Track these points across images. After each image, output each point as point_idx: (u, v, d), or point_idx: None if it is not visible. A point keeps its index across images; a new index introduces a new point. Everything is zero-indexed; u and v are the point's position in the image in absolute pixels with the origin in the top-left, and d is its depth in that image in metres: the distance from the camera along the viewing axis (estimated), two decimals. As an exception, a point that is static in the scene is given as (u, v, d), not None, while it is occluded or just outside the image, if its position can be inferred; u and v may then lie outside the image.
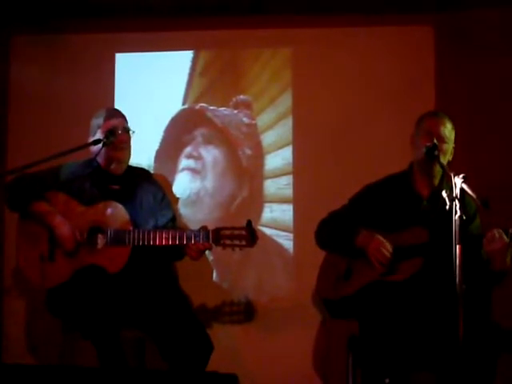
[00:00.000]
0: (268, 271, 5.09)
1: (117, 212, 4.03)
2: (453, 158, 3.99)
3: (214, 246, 3.90)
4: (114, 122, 4.16)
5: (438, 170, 3.96)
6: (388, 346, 3.80)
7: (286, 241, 5.10)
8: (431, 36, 5.00)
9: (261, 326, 4.96)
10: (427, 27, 5.01)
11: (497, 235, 3.72)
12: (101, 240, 4.01)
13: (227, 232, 3.85)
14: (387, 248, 3.92)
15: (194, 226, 4.92)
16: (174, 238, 3.90)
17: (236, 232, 3.84)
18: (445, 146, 3.93)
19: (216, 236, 3.86)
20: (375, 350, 3.85)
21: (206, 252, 4.37)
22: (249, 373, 4.56)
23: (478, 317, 3.68)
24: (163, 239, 3.90)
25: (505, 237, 3.71)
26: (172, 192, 5.12)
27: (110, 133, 4.09)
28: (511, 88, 4.88)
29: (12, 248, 4.21)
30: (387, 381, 3.82)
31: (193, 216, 5.13)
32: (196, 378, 3.72)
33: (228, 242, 3.84)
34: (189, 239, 3.89)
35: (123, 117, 4.23)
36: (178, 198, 5.14)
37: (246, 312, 4.99)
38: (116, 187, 4.17)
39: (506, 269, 3.82)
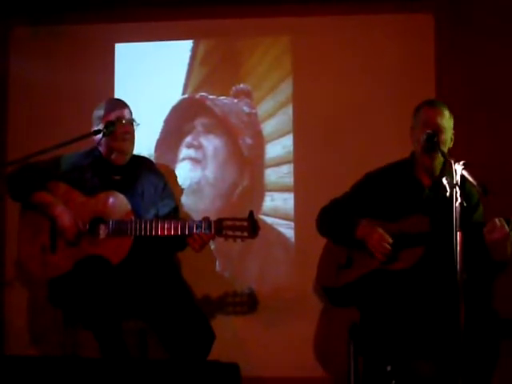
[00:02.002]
0: (269, 260, 5.09)
1: (118, 202, 4.03)
2: (453, 147, 3.99)
3: (215, 237, 3.91)
4: (117, 113, 4.15)
5: (439, 158, 3.95)
6: (389, 335, 3.81)
7: (287, 229, 5.10)
8: (431, 24, 4.99)
9: (263, 315, 4.97)
10: (427, 15, 4.99)
11: (498, 224, 3.72)
12: (102, 230, 4.01)
13: (229, 223, 3.85)
14: (387, 240, 3.92)
15: (195, 215, 4.95)
16: (175, 229, 3.90)
17: (238, 223, 3.85)
18: (443, 136, 3.93)
19: (218, 227, 3.86)
20: (376, 338, 3.86)
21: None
22: (251, 362, 4.59)
23: (479, 305, 3.68)
24: (165, 229, 3.90)
25: (506, 226, 3.71)
26: (177, 182, 5.12)
27: (111, 123, 4.08)
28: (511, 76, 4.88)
29: (14, 239, 4.21)
30: (389, 369, 3.83)
31: (194, 205, 5.13)
32: (197, 366, 3.73)
33: (230, 233, 3.85)
34: (191, 229, 3.89)
35: (127, 108, 4.22)
36: (182, 189, 5.14)
37: (249, 303, 5.00)
38: (117, 177, 4.17)
39: (506, 259, 3.83)
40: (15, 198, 4.16)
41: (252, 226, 3.84)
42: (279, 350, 4.92)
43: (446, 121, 3.96)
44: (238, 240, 3.86)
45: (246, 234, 3.84)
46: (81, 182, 4.13)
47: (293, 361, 4.87)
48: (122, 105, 4.23)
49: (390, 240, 3.92)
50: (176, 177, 5.15)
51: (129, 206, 4.02)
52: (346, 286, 4.05)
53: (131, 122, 4.19)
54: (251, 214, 3.86)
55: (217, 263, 5.08)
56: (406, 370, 3.93)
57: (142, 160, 4.39)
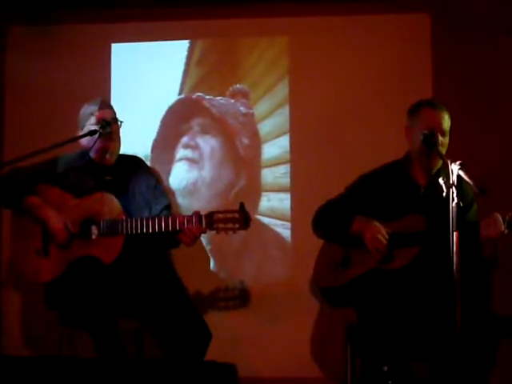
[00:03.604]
0: (266, 260, 5.09)
1: (109, 202, 4.02)
2: (450, 146, 3.99)
3: (207, 230, 3.90)
4: (106, 113, 4.14)
5: (435, 158, 3.95)
6: (386, 335, 3.80)
7: (284, 230, 5.09)
8: (428, 23, 4.98)
9: (258, 313, 4.96)
10: (424, 14, 4.99)
11: (497, 220, 3.72)
12: (94, 231, 4.00)
13: (220, 216, 3.84)
14: (383, 234, 3.92)
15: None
16: (166, 225, 3.89)
17: (229, 215, 3.83)
18: (447, 139, 3.94)
19: (209, 220, 3.85)
20: (373, 338, 3.86)
21: (204, 242, 4.37)
22: (248, 362, 4.59)
23: (476, 304, 3.68)
24: (156, 226, 3.89)
25: (502, 224, 3.71)
26: (168, 183, 5.12)
27: (106, 123, 4.07)
28: (508, 75, 4.88)
29: (8, 240, 4.20)
30: (385, 369, 3.83)
31: (190, 206, 5.10)
32: (194, 367, 3.72)
33: (221, 225, 3.83)
34: (181, 225, 3.88)
35: (112, 108, 4.23)
36: (172, 190, 5.13)
37: (240, 297, 4.99)
38: (109, 178, 4.16)
39: (496, 256, 3.84)
40: (6, 205, 4.18)
41: (243, 218, 3.82)
42: (276, 350, 4.91)
43: (448, 124, 3.97)
44: (232, 235, 3.85)
45: (237, 225, 3.83)
46: (75, 184, 4.12)
47: (289, 361, 4.87)
48: (103, 105, 4.23)
49: (386, 233, 3.91)
50: (166, 178, 5.14)
51: (119, 206, 4.01)
52: (344, 286, 4.05)
53: (115, 121, 4.17)
54: (242, 205, 3.85)
55: (213, 263, 5.07)
56: (403, 371, 3.92)
57: (132, 159, 4.38)
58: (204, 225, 3.86)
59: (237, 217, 3.83)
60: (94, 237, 3.99)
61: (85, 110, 4.18)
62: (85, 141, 4.12)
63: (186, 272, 4.66)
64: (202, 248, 4.91)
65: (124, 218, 3.96)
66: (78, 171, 4.15)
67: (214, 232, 3.90)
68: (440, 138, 3.89)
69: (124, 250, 3.93)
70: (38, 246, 4.04)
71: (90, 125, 4.12)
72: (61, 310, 4.06)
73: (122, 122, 4.20)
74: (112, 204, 4.01)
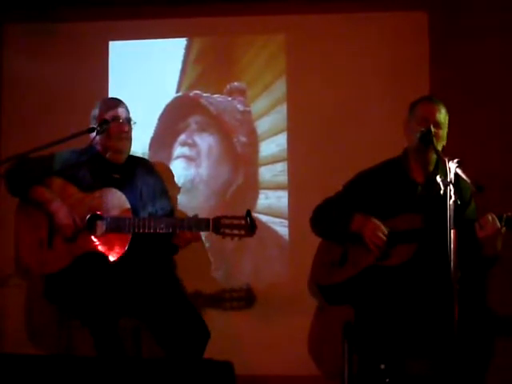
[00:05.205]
0: (264, 258, 5.10)
1: (117, 199, 4.02)
2: (447, 144, 3.99)
3: (213, 234, 3.91)
4: (112, 112, 4.13)
5: (432, 155, 3.95)
6: (383, 333, 3.80)
7: (282, 227, 5.10)
8: (425, 21, 4.99)
9: (257, 313, 4.98)
10: (421, 12, 5.00)
11: (490, 220, 3.73)
12: (100, 227, 4.00)
13: (227, 221, 3.86)
14: (383, 230, 3.92)
15: (189, 213, 4.92)
16: (174, 226, 3.91)
17: (235, 221, 3.85)
18: (440, 132, 3.94)
19: (216, 225, 3.86)
20: (371, 336, 3.86)
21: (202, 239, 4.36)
22: (244, 358, 4.58)
23: (473, 302, 3.68)
24: (163, 227, 3.90)
25: (497, 222, 3.72)
26: (174, 182, 5.12)
27: (105, 121, 4.08)
28: (506, 73, 4.89)
29: (8, 237, 4.19)
30: (382, 367, 3.83)
31: (188, 203, 5.13)
32: (190, 365, 3.72)
33: (227, 231, 3.85)
34: (188, 228, 3.90)
35: (123, 106, 4.20)
36: (179, 188, 5.14)
37: (246, 298, 5.00)
38: (117, 176, 4.16)
39: (496, 254, 3.84)
40: (13, 192, 4.14)
41: (249, 225, 3.84)
42: (274, 348, 4.91)
43: (443, 117, 3.97)
44: (236, 238, 3.86)
45: (243, 232, 3.85)
46: (76, 179, 4.11)
47: (287, 359, 4.87)
48: (117, 104, 4.21)
49: (385, 230, 3.92)
50: (173, 175, 5.15)
51: (127, 204, 4.01)
52: (341, 284, 4.05)
53: (128, 120, 4.18)
54: (248, 212, 3.87)
55: (211, 261, 5.07)
56: (400, 369, 3.93)
57: (140, 160, 4.40)
58: (210, 229, 3.87)
59: (243, 223, 3.85)
60: (99, 232, 4.00)
61: (92, 112, 4.19)
62: (93, 138, 4.13)
63: (186, 270, 4.66)
64: (202, 247, 4.92)
65: (131, 216, 3.97)
66: (80, 167, 4.15)
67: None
68: (433, 129, 3.88)
69: (130, 248, 3.93)
70: (43, 238, 4.03)
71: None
72: (61, 303, 4.06)
73: (135, 122, 4.20)
74: (120, 201, 4.01)
